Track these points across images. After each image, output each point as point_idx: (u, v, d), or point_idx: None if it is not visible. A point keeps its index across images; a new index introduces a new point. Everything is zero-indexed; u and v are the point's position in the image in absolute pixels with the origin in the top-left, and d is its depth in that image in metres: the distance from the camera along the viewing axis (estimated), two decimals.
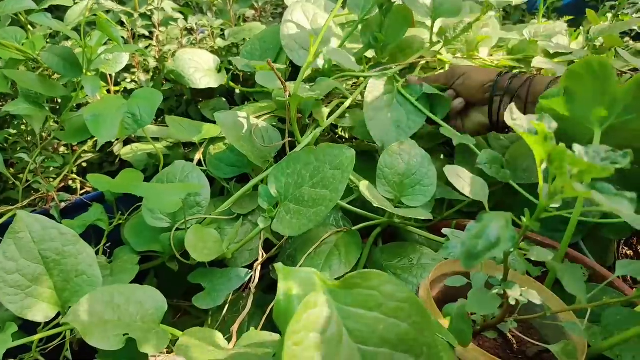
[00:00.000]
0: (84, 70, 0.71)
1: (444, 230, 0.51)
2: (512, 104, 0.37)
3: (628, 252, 0.92)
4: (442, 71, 0.82)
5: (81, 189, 0.86)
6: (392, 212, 0.60)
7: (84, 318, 0.48)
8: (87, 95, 0.83)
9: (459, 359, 0.46)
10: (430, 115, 0.77)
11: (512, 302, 0.46)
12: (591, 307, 0.47)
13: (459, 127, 0.80)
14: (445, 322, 0.48)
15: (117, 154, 0.88)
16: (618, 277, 0.58)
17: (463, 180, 0.43)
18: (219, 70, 0.93)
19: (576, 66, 0.58)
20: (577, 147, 0.35)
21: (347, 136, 0.90)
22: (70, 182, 0.86)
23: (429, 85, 0.77)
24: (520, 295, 0.46)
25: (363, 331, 0.32)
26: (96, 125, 0.60)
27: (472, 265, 0.32)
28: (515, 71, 0.80)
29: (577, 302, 0.47)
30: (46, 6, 0.96)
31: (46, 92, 0.70)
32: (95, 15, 0.75)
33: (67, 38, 0.95)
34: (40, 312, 0.51)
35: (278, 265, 0.35)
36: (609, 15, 1.25)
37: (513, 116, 0.35)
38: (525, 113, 0.62)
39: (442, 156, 0.87)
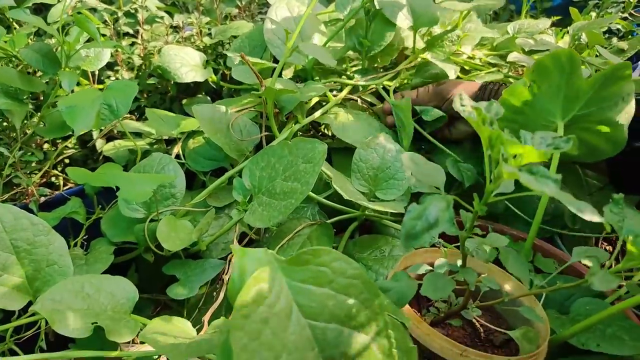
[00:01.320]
0: (62, 66, 0.72)
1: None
2: (463, 92, 0.37)
3: (607, 248, 0.93)
4: (426, 90, 0.84)
5: (64, 186, 0.86)
6: (363, 205, 0.61)
7: (52, 306, 0.48)
8: (68, 93, 0.83)
9: (421, 345, 0.47)
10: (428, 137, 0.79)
11: (472, 288, 0.47)
12: (546, 292, 0.48)
13: (446, 135, 0.84)
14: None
15: (99, 150, 0.88)
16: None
17: (415, 165, 0.43)
18: (205, 67, 0.94)
19: (544, 58, 0.59)
20: (523, 133, 0.36)
21: (329, 133, 0.91)
22: (53, 179, 0.86)
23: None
24: (480, 281, 0.46)
25: (313, 307, 0.33)
26: (72, 116, 0.61)
27: (411, 246, 0.33)
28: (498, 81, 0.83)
29: (533, 288, 0.47)
30: (30, 4, 0.97)
31: (25, 87, 0.71)
32: (79, 13, 0.76)
33: (51, 36, 0.96)
34: (11, 299, 0.51)
35: (234, 246, 0.36)
36: (593, 14, 1.26)
37: (462, 102, 0.36)
38: None
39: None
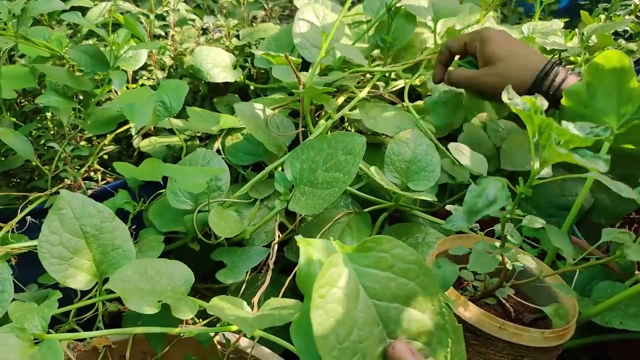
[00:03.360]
0: (111, 66, 0.76)
1: (449, 207, 0.56)
2: (509, 86, 0.42)
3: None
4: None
5: (102, 180, 0.91)
6: (399, 193, 0.65)
7: (122, 286, 0.53)
8: (109, 91, 0.88)
9: (463, 320, 0.51)
10: None
11: (510, 267, 0.51)
12: (578, 269, 0.53)
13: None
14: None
15: (136, 146, 0.93)
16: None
17: (464, 155, 0.48)
18: (235, 67, 0.99)
19: (598, 59, 0.62)
20: (564, 123, 0.40)
21: (352, 130, 0.95)
22: (92, 173, 0.91)
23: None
24: (517, 261, 0.51)
25: (377, 288, 0.37)
26: (131, 112, 0.65)
27: (473, 221, 0.37)
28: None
29: (567, 264, 0.52)
30: (67, 7, 1.01)
31: (75, 85, 0.75)
32: (113, 16, 0.80)
33: (87, 37, 1.00)
34: (81, 281, 0.56)
35: (298, 237, 0.40)
36: (602, 16, 1.30)
37: (509, 95, 0.40)
38: None
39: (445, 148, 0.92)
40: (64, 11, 1.05)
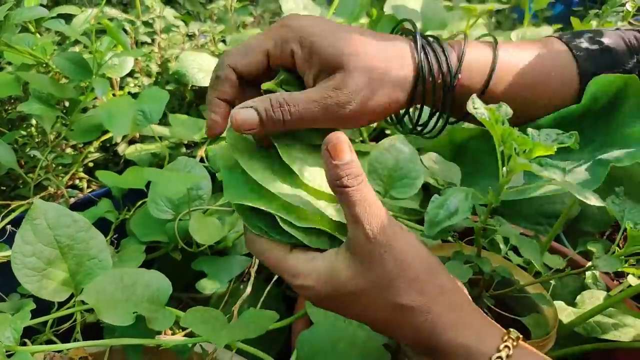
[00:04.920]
0: (94, 74, 0.76)
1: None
2: (474, 95, 0.41)
3: None
4: None
5: (87, 188, 0.90)
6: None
7: (97, 297, 0.52)
8: (94, 98, 0.87)
9: None
10: None
11: (487, 277, 0.51)
12: (554, 279, 0.52)
13: None
14: None
15: (121, 154, 0.92)
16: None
17: (435, 164, 0.47)
18: None
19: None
20: (529, 130, 0.40)
21: None
22: (77, 181, 0.90)
23: None
24: (494, 270, 0.50)
25: None
26: (111, 121, 0.65)
27: (433, 232, 0.37)
28: None
29: (544, 276, 0.51)
30: (54, 15, 1.01)
31: (58, 93, 0.75)
32: (99, 23, 0.80)
33: (74, 44, 1.00)
34: (55, 292, 0.55)
35: None
36: (594, 22, 1.30)
37: (474, 105, 0.39)
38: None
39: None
40: (52, 18, 1.05)
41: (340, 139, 0.35)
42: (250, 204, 0.38)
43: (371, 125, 0.98)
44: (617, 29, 0.53)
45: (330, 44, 0.42)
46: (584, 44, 0.50)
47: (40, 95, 0.76)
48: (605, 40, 0.50)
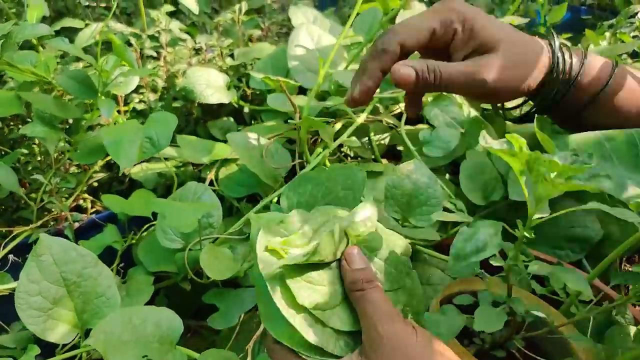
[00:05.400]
0: (99, 93, 0.73)
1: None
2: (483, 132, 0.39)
3: (630, 269, 0.94)
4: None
5: (91, 208, 0.87)
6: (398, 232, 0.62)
7: (104, 339, 0.49)
8: (99, 116, 0.84)
9: None
10: None
11: (520, 319, 0.48)
12: (592, 316, 0.49)
13: None
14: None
15: (127, 173, 0.89)
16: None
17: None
18: (229, 88, 0.95)
19: None
20: (547, 156, 0.37)
21: (352, 154, 0.92)
22: (81, 202, 0.87)
23: None
24: (527, 312, 0.47)
25: None
26: (116, 150, 0.62)
27: (458, 267, 0.35)
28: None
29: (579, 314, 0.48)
30: (58, 28, 0.98)
31: (61, 113, 0.72)
32: (104, 40, 0.77)
33: (78, 59, 0.97)
34: (61, 333, 0.52)
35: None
36: (607, 34, 1.27)
37: (487, 140, 0.37)
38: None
39: (447, 176, 0.88)
40: (56, 32, 1.02)
41: (355, 251, 0.44)
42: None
43: (382, 141, 0.95)
44: None
45: (488, 30, 0.52)
46: None
47: (43, 115, 0.73)
48: None
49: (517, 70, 0.54)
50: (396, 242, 0.51)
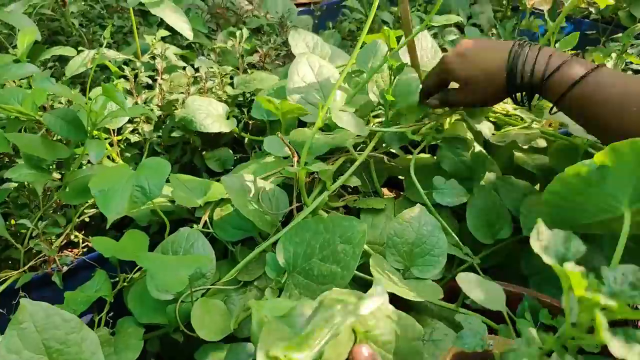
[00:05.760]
0: (88, 133, 0.70)
1: (457, 317, 0.50)
2: (541, 226, 0.35)
3: None
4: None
5: (83, 243, 0.84)
6: (393, 292, 0.58)
7: None
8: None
9: None
10: None
11: None
12: None
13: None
14: None
15: None
16: None
17: (477, 290, 0.42)
18: (228, 118, 0.93)
19: (623, 145, 0.56)
20: (605, 272, 0.34)
21: (352, 185, 0.88)
22: (72, 237, 0.84)
23: None
24: None
25: None
26: (105, 201, 0.59)
27: None
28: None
29: None
30: (48, 56, 0.95)
31: (49, 156, 0.69)
32: (99, 65, 0.74)
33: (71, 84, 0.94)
34: None
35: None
36: (614, 55, 1.24)
37: (540, 238, 0.33)
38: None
39: (449, 212, 0.85)
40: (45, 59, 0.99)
41: (363, 350, 0.42)
42: None
43: (382, 175, 0.91)
44: None
45: (458, 75, 0.75)
46: None
47: (30, 157, 0.70)
48: None
49: (478, 95, 0.75)
50: (407, 326, 0.48)
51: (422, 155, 0.95)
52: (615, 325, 0.32)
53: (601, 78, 0.65)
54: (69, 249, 0.85)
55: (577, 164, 0.59)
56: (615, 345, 0.29)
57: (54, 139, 0.78)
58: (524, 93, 0.72)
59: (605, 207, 0.59)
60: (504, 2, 1.62)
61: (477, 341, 0.48)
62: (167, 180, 0.83)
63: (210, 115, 0.89)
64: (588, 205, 0.62)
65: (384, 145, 0.89)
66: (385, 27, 0.80)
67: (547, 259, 0.33)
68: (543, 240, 0.34)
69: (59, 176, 0.79)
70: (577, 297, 0.32)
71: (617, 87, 0.64)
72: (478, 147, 0.89)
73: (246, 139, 0.96)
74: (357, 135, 0.80)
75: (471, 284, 0.42)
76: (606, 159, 0.57)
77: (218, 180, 0.84)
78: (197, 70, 0.96)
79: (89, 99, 0.78)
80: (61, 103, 0.84)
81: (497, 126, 0.92)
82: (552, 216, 0.66)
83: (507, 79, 0.71)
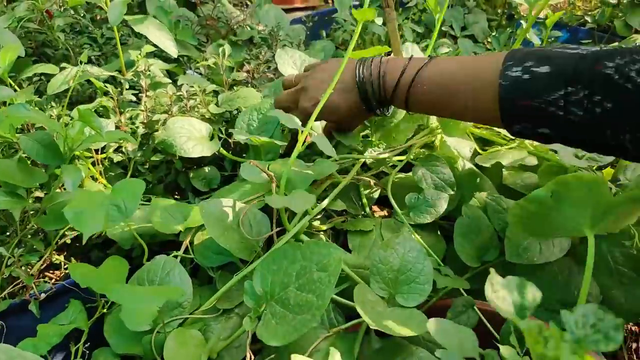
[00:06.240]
0: (65, 158, 0.69)
1: (438, 353, 0.48)
2: (494, 277, 0.33)
3: (633, 328, 0.89)
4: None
5: (65, 264, 0.83)
6: (377, 328, 0.56)
7: None
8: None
9: None
10: None
11: None
12: None
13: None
14: None
15: (103, 231, 0.85)
16: None
17: (450, 336, 0.40)
18: (211, 138, 0.91)
19: (568, 177, 0.55)
20: (565, 315, 0.32)
21: (339, 209, 0.87)
22: (53, 259, 0.83)
23: None
24: None
25: None
26: (80, 221, 0.58)
27: None
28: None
29: None
30: (30, 74, 0.94)
31: (25, 183, 0.67)
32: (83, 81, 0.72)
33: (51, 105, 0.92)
34: None
35: None
36: None
37: (494, 289, 0.32)
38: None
39: (438, 232, 0.84)
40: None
41: None
42: None
43: (372, 194, 0.90)
44: (587, 50, 0.56)
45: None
46: (517, 72, 0.58)
47: (6, 184, 0.69)
48: (544, 69, 0.56)
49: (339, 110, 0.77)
50: None
51: (411, 174, 0.93)
52: None
53: (430, 70, 0.69)
54: (51, 271, 0.84)
55: (533, 192, 0.58)
56: None
57: (31, 162, 0.77)
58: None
59: (570, 229, 0.58)
60: (499, 11, 1.60)
61: None
62: (149, 201, 0.83)
63: (192, 137, 0.87)
64: (554, 230, 0.61)
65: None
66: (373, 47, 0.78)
67: (506, 313, 0.32)
68: (498, 291, 0.32)
69: (37, 201, 0.78)
70: (536, 355, 0.30)
71: (444, 74, 0.68)
72: (468, 165, 0.87)
73: (226, 159, 0.94)
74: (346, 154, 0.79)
75: (443, 331, 0.41)
76: (558, 188, 0.56)
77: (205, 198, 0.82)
78: (179, 87, 0.94)
79: (71, 117, 0.77)
80: (41, 125, 0.83)
81: (485, 142, 0.90)
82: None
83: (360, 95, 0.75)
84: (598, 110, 0.53)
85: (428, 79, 0.69)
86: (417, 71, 0.69)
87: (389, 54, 0.91)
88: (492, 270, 0.34)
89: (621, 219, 0.57)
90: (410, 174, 0.93)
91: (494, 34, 1.45)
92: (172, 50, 0.93)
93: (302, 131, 0.65)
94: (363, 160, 0.80)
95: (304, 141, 0.66)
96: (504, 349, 0.51)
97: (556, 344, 0.30)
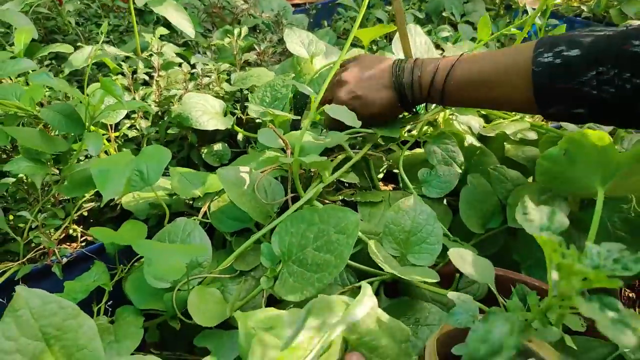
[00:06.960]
0: (86, 126, 0.71)
1: (450, 295, 0.50)
2: (527, 201, 0.36)
3: (630, 295, 0.92)
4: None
5: (82, 237, 0.85)
6: (398, 275, 0.60)
7: None
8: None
9: None
10: None
11: None
12: None
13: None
14: None
15: (117, 202, 0.87)
16: None
17: (467, 264, 0.42)
18: (225, 114, 0.93)
19: (576, 135, 0.58)
20: (589, 247, 0.34)
21: (351, 181, 0.89)
22: (71, 230, 0.85)
23: None
24: None
25: None
26: (103, 180, 0.60)
27: None
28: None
29: None
30: (46, 52, 0.96)
31: (47, 149, 0.70)
32: (106, 74, 0.75)
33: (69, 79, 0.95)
34: None
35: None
36: None
37: (525, 211, 0.34)
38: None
39: (444, 201, 0.86)
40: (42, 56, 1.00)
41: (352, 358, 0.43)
42: None
43: (381, 169, 0.93)
44: (613, 30, 0.60)
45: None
46: (549, 57, 0.62)
47: (29, 150, 0.71)
48: (573, 52, 0.60)
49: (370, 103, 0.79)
50: (395, 331, 0.48)
51: (417, 150, 0.96)
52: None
53: (462, 68, 0.72)
54: (67, 243, 0.86)
55: (547, 150, 0.61)
56: (585, 307, 0.29)
57: (52, 134, 0.79)
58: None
59: (584, 187, 0.61)
60: (497, 0, 1.63)
61: (468, 318, 0.49)
62: (166, 174, 0.85)
63: (207, 112, 0.90)
64: (567, 187, 0.64)
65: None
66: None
67: (530, 229, 0.34)
68: (528, 214, 0.35)
69: (57, 171, 0.80)
70: (555, 263, 0.33)
71: (472, 71, 0.71)
72: (471, 139, 0.90)
73: (239, 135, 0.97)
74: (356, 133, 0.82)
75: (463, 259, 0.43)
76: (569, 147, 0.59)
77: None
78: (193, 67, 0.97)
79: (87, 94, 0.79)
80: (58, 100, 0.85)
81: (489, 119, 0.93)
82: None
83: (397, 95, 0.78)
84: (628, 86, 0.56)
85: (460, 77, 0.72)
86: (449, 71, 0.73)
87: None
88: (526, 197, 0.36)
89: (629, 176, 0.60)
90: (415, 151, 0.96)
91: (492, 22, 1.47)
92: (190, 31, 0.96)
93: (315, 98, 0.68)
94: (378, 136, 0.83)
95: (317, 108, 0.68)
96: (510, 304, 0.54)
97: (573, 260, 0.32)
